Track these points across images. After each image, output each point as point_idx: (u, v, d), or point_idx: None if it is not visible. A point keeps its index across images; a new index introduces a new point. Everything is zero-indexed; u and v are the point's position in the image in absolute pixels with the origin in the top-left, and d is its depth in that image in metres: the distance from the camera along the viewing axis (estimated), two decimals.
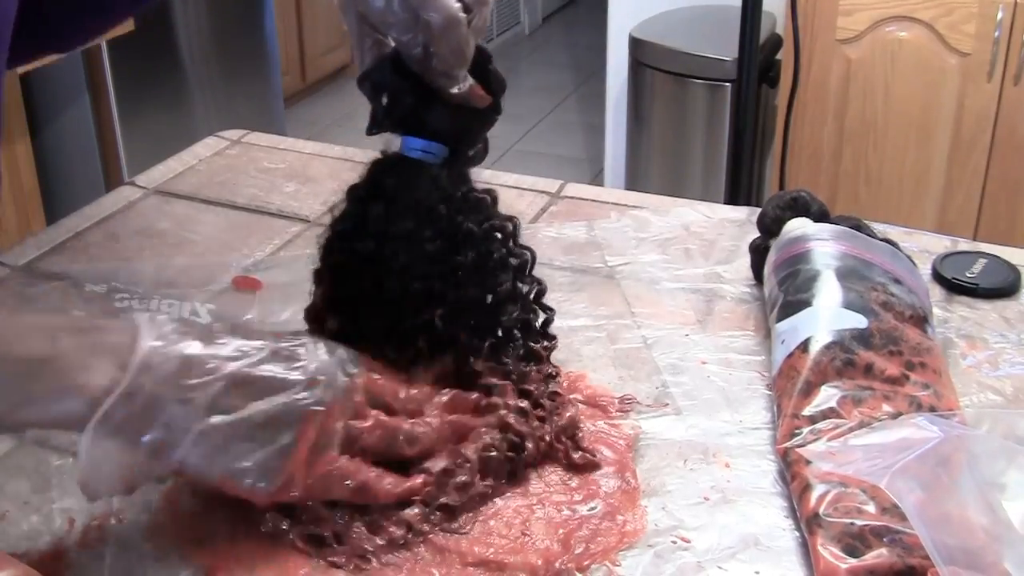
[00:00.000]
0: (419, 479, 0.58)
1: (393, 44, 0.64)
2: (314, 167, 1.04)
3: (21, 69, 2.23)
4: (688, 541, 0.57)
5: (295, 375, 0.55)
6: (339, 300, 0.66)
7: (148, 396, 0.51)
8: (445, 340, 0.64)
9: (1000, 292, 0.78)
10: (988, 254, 0.82)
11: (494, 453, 0.60)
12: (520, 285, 0.66)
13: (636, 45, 2.65)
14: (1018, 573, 0.50)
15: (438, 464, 0.59)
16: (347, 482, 0.56)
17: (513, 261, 0.65)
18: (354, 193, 0.66)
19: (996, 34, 2.15)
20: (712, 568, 0.55)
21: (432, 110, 0.64)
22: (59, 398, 0.50)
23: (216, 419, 0.52)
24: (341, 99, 4.33)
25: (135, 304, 0.78)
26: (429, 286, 0.63)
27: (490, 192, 0.66)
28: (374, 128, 0.66)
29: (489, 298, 0.65)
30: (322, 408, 0.55)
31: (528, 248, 0.67)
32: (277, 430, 0.53)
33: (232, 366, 0.53)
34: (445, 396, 0.62)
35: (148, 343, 0.52)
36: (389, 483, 0.57)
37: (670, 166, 2.69)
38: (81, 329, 0.53)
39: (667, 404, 0.68)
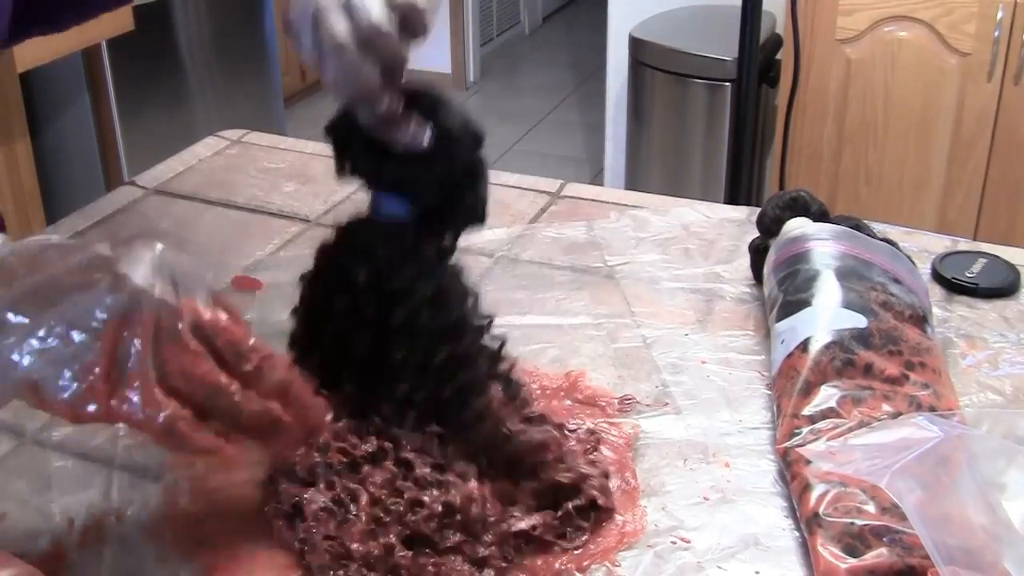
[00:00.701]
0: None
1: None
2: (314, 167, 1.04)
3: (20, 68, 2.22)
4: (688, 541, 0.57)
5: (101, 279, 0.49)
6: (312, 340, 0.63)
7: None
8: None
9: (1000, 292, 0.78)
10: (988, 254, 0.82)
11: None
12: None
13: (636, 45, 2.65)
14: (1017, 573, 0.50)
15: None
16: (158, 415, 0.49)
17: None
18: (325, 254, 0.63)
19: (996, 34, 2.15)
20: (712, 568, 0.55)
21: (383, 159, 0.60)
22: None
23: (11, 322, 0.48)
24: None
25: None
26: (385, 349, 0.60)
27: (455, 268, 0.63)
28: (340, 174, 0.63)
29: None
30: (125, 315, 0.49)
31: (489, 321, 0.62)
32: (72, 337, 0.48)
33: (37, 275, 0.49)
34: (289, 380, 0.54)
35: None
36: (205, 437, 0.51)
37: (670, 166, 2.69)
38: None
39: (667, 403, 0.68)
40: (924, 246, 0.85)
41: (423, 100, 0.60)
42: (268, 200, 0.97)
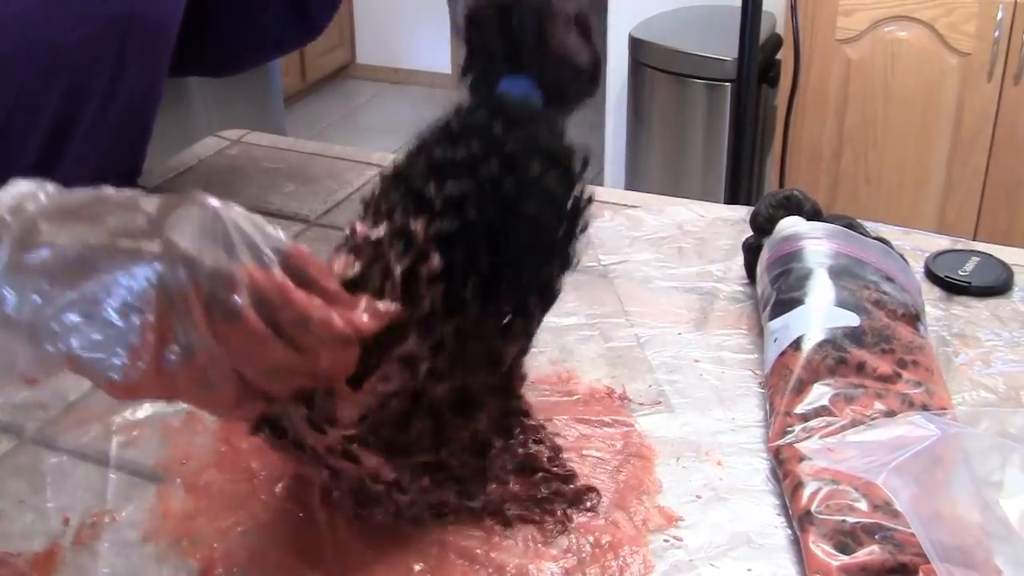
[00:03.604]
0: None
1: None
2: (314, 167, 1.04)
3: None
4: (680, 539, 0.57)
5: (148, 247, 0.43)
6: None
7: None
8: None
9: (992, 290, 0.78)
10: (980, 252, 0.82)
11: None
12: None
13: (636, 45, 2.65)
14: (1009, 570, 0.50)
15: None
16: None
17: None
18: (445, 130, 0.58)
19: (996, 34, 2.15)
20: (704, 566, 0.55)
21: (530, 51, 0.61)
22: None
23: (46, 298, 0.43)
24: (341, 99, 4.34)
25: None
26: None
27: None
28: (469, 67, 0.62)
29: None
30: (173, 292, 0.43)
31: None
32: (121, 315, 0.43)
33: (74, 241, 0.44)
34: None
35: None
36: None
37: (670, 166, 2.69)
38: None
39: (660, 402, 0.68)
40: (918, 245, 0.85)
41: (584, 24, 0.63)
42: (268, 200, 0.97)
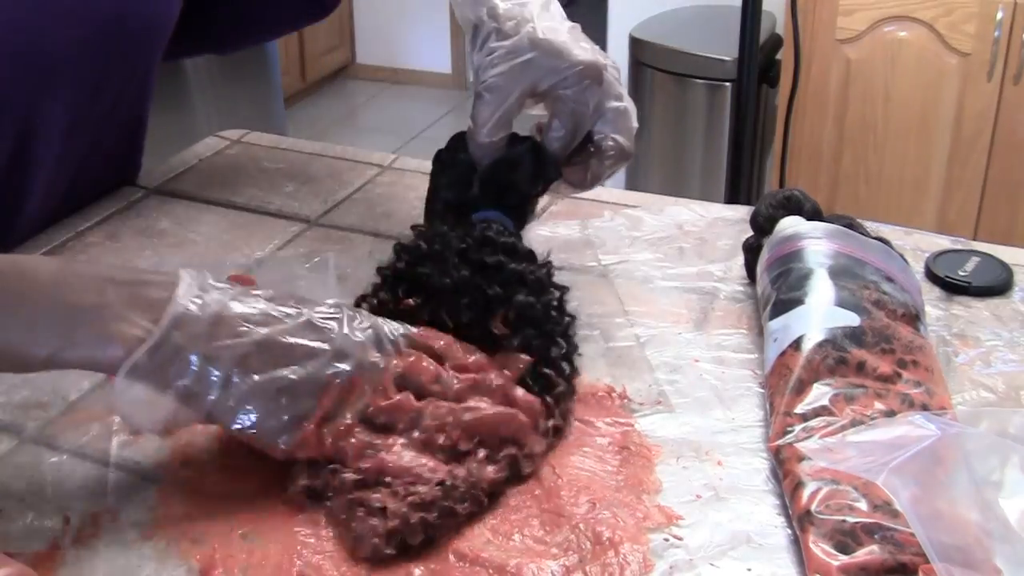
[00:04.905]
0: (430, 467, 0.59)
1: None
2: (314, 167, 1.04)
3: None
4: (680, 539, 0.57)
5: (322, 346, 0.58)
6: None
7: (176, 348, 0.55)
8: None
9: (992, 290, 0.78)
10: (980, 252, 0.82)
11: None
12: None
13: (636, 45, 2.66)
14: (1008, 570, 0.50)
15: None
16: (362, 452, 0.58)
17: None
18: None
19: (996, 34, 2.15)
20: (704, 565, 0.55)
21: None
22: (100, 345, 0.55)
23: (238, 379, 0.56)
24: (341, 99, 4.35)
25: None
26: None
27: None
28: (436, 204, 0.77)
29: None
30: (344, 381, 0.58)
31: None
32: (297, 397, 0.57)
33: (262, 331, 0.57)
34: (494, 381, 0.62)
35: (183, 300, 0.56)
36: (403, 461, 0.58)
37: (670, 166, 2.69)
38: (126, 282, 0.57)
39: (660, 402, 0.68)
40: (918, 245, 0.85)
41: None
42: (268, 200, 0.97)
